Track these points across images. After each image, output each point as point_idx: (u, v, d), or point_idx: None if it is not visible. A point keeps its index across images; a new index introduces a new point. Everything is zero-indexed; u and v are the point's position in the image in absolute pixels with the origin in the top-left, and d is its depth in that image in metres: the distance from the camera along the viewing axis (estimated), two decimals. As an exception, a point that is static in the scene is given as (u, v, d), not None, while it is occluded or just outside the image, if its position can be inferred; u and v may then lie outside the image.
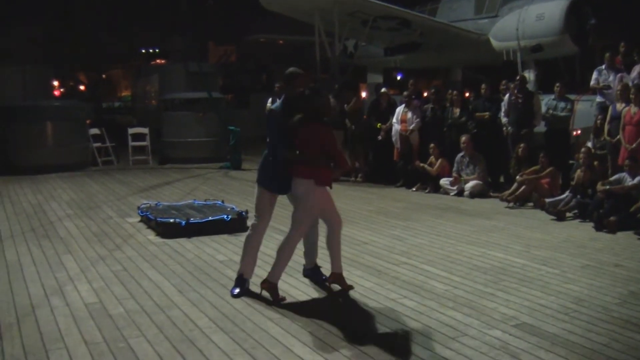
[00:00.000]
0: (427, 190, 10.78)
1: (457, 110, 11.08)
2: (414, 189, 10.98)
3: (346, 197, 9.99)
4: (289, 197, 5.34)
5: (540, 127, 10.49)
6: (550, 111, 10.17)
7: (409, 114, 11.49)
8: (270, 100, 10.96)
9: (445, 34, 16.00)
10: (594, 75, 10.27)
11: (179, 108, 16.19)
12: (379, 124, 12.03)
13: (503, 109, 10.47)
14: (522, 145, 9.77)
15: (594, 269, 5.95)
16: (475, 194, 10.11)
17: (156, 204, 8.68)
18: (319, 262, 5.63)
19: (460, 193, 10.29)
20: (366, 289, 5.36)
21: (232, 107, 21.90)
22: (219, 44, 34.09)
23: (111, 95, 40.00)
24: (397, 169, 11.62)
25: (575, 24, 13.95)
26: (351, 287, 5.34)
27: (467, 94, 15.27)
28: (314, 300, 5.17)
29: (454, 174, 10.47)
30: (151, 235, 7.46)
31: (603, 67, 10.19)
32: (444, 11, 17.17)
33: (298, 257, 5.48)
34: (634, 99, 8.67)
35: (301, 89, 5.17)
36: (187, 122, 15.52)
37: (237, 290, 5.21)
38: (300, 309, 4.88)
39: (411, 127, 11.42)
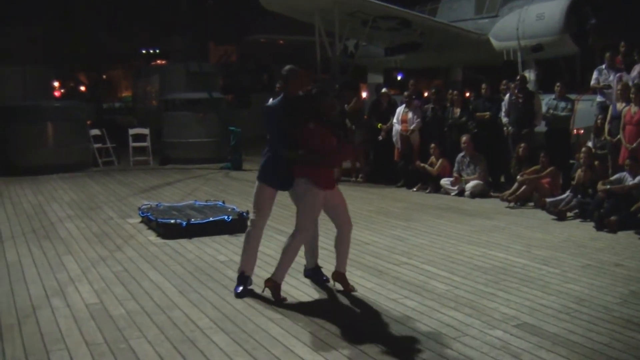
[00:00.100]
0: (427, 191, 10.78)
1: (457, 110, 11.09)
2: (414, 189, 10.98)
3: (347, 197, 9.77)
4: (290, 196, 5.32)
5: (541, 127, 10.50)
6: (551, 111, 10.17)
7: (410, 114, 11.50)
8: (270, 100, 10.92)
9: (445, 34, 15.98)
10: (594, 75, 10.26)
11: (180, 108, 16.16)
12: (379, 124, 12.04)
13: (503, 109, 10.48)
14: (522, 145, 9.77)
15: (595, 268, 5.95)
16: (476, 194, 10.11)
17: (157, 204, 8.68)
18: (319, 262, 5.63)
19: (461, 193, 10.29)
20: (367, 290, 5.36)
21: (232, 108, 21.88)
22: (219, 44, 34.01)
23: (111, 96, 39.93)
24: (397, 169, 11.62)
25: (575, 24, 13.93)
26: (353, 289, 5.32)
27: (467, 94, 15.29)
28: (315, 300, 5.17)
29: (455, 174, 10.47)
30: (152, 236, 7.46)
31: (603, 66, 10.17)
32: (444, 11, 17.14)
33: (299, 258, 5.48)
34: (634, 98, 8.67)
35: (308, 88, 5.15)
36: (187, 122, 15.51)
37: (240, 289, 5.21)
38: (301, 309, 4.88)
39: (412, 127, 11.43)
